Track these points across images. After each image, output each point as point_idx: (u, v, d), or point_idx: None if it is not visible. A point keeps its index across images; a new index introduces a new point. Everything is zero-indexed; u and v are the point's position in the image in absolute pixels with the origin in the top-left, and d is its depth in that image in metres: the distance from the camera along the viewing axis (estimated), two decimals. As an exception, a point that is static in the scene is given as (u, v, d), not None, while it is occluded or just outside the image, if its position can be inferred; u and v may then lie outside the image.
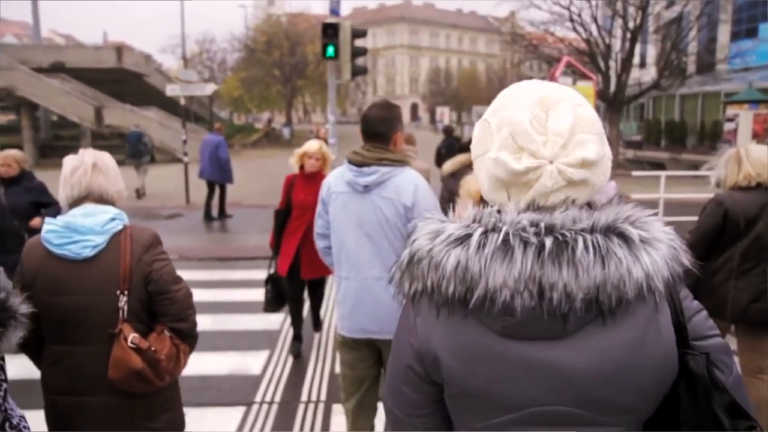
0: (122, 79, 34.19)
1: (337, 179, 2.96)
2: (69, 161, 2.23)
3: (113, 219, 2.15)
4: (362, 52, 9.41)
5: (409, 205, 2.77)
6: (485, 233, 1.01)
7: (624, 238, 0.99)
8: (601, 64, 22.68)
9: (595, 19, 23.22)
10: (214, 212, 12.36)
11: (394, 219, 2.79)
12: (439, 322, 1.07)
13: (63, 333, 2.12)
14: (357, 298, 2.90)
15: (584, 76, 12.97)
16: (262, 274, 5.51)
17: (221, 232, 11.43)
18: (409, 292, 1.09)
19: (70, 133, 35.14)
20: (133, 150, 15.34)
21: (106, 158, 2.28)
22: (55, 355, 2.15)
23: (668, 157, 23.24)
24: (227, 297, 7.07)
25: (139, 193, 15.02)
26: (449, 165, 3.97)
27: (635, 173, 9.60)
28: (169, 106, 36.76)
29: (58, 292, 2.09)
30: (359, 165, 2.83)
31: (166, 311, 2.19)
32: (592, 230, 0.99)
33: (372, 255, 2.83)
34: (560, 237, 0.98)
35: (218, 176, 11.95)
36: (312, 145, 4.95)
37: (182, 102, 14.08)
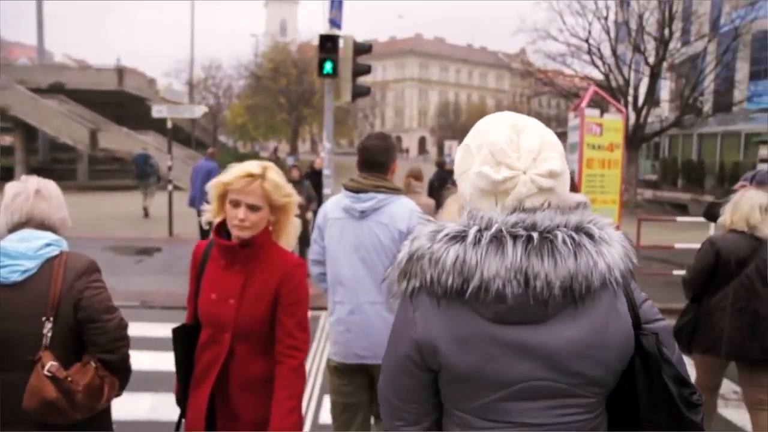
0: (123, 103, 33.38)
1: (333, 206, 3.03)
2: (11, 187, 2.21)
3: (48, 245, 2.12)
4: (365, 70, 8.14)
5: (404, 230, 2.80)
6: (480, 231, 1.19)
7: (590, 236, 1.21)
8: (621, 100, 21.55)
9: (614, 53, 22.17)
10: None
11: (389, 244, 2.82)
12: (437, 313, 1.24)
13: None
14: (351, 321, 2.94)
15: (612, 109, 11.87)
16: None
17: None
18: (407, 289, 1.26)
19: (68, 156, 34.32)
20: (140, 172, 15.58)
21: (50, 186, 2.25)
22: None
23: (690, 198, 21.93)
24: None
25: (147, 212, 15.47)
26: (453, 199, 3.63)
27: (680, 219, 8.28)
28: (173, 131, 35.99)
29: None
30: (356, 191, 2.92)
31: (95, 341, 2.12)
32: (566, 227, 1.19)
33: (367, 279, 2.87)
34: (543, 232, 1.18)
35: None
36: (245, 170, 2.21)
37: (169, 125, 12.88)
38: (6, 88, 27.85)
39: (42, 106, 27.69)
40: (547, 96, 60.07)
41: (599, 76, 23.64)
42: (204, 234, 11.10)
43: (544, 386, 1.23)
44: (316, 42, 8.23)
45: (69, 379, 2.03)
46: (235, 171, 2.21)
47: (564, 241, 1.17)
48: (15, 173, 24.44)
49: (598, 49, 22.06)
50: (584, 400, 1.25)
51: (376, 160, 2.95)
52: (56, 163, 36.52)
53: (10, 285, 2.05)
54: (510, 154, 1.24)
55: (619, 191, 11.54)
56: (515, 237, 1.17)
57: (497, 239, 1.17)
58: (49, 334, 2.06)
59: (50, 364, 2.02)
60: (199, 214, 9.12)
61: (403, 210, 2.90)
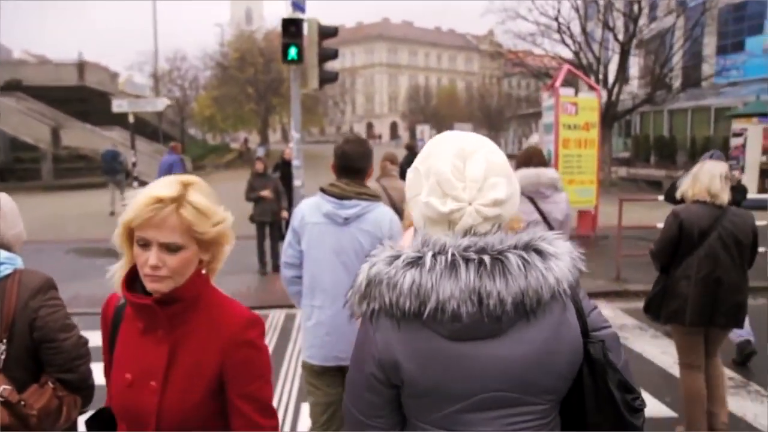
0: (86, 98, 32.31)
1: (311, 209, 3.00)
2: None
3: (1, 263, 2.04)
4: (332, 54, 7.70)
5: (386, 237, 2.81)
6: (434, 255, 1.24)
7: (539, 252, 1.27)
8: (592, 78, 21.43)
9: (584, 31, 22.01)
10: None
11: (370, 250, 2.40)
12: (397, 334, 1.29)
13: None
14: (332, 326, 2.96)
15: (586, 88, 11.65)
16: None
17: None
18: (367, 311, 1.31)
19: (31, 156, 33.16)
20: (108, 167, 15.29)
21: (1, 202, 2.13)
22: None
23: (664, 175, 21.98)
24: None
25: (113, 211, 14.88)
26: None
27: (661, 198, 8.08)
28: (137, 126, 35.07)
29: None
30: (339, 197, 2.94)
31: (52, 361, 2.04)
32: (515, 247, 1.26)
33: (348, 284, 2.42)
34: (495, 254, 1.24)
35: None
36: (152, 195, 1.52)
37: (130, 119, 12.35)
38: (-41, 87, 26.81)
39: (-2, 104, 26.66)
40: (518, 77, 60.16)
41: (569, 55, 23.50)
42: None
43: (500, 397, 1.29)
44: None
45: (22, 403, 1.95)
46: (138, 198, 1.53)
47: (516, 263, 1.24)
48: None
49: (568, 28, 21.86)
50: (538, 407, 1.32)
51: (355, 166, 2.99)
52: (18, 162, 35.34)
53: None
54: (456, 185, 1.29)
55: (596, 171, 11.36)
56: (467, 260, 1.23)
57: (451, 263, 1.23)
58: (2, 356, 1.99)
59: (2, 388, 1.93)
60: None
61: (384, 218, 2.98)
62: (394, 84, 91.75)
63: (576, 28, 22.55)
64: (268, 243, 8.76)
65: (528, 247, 1.27)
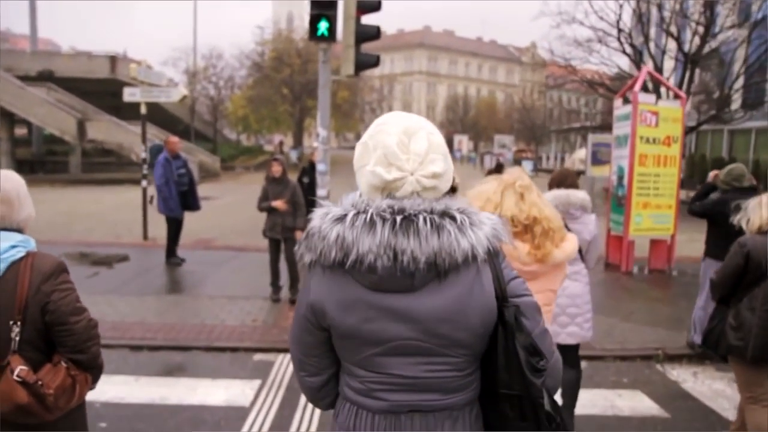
0: (117, 92, 31.40)
1: None
2: None
3: (14, 246, 2.08)
4: (373, 34, 6.12)
5: None
6: (357, 214, 1.41)
7: (453, 218, 1.41)
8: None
9: (646, 38, 20.11)
10: (181, 252, 9.36)
11: None
12: (325, 280, 1.47)
13: None
14: None
15: (671, 95, 9.92)
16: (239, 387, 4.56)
17: (171, 292, 8.04)
18: (307, 261, 1.48)
19: (63, 149, 32.59)
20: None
21: (10, 184, 2.15)
22: None
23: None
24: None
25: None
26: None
27: None
28: (169, 122, 34.19)
29: None
30: None
31: (64, 342, 2.11)
32: (430, 212, 1.41)
33: None
34: (408, 215, 1.39)
35: (161, 207, 8.96)
36: None
37: (143, 110, 11.02)
38: (-11, 75, 26.12)
39: (27, 94, 25.93)
40: (559, 91, 58.06)
41: (625, 65, 21.63)
42: (171, 241, 9.29)
43: (414, 345, 1.45)
44: None
45: (39, 382, 2.03)
46: None
47: (425, 222, 1.38)
48: (0, 165, 22.76)
49: (629, 35, 19.94)
50: (451, 359, 1.47)
51: None
52: (50, 155, 34.84)
53: None
54: (400, 156, 1.44)
55: (676, 194, 9.62)
56: (384, 219, 1.39)
57: (370, 221, 1.39)
58: (17, 338, 2.05)
59: (19, 369, 2.01)
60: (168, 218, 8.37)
61: None
62: (432, 93, 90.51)
63: (634, 36, 20.66)
64: (284, 263, 7.17)
65: (444, 213, 1.42)
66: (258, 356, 5.54)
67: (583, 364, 5.55)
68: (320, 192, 6.22)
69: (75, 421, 2.26)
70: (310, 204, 5.92)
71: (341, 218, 1.41)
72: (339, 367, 1.58)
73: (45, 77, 29.29)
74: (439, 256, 1.37)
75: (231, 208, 17.43)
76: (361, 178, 1.49)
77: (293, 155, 37.36)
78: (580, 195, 3.90)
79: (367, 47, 6.27)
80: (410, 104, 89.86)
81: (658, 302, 7.69)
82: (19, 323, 2.03)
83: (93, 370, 2.21)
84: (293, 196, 6.84)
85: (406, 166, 1.43)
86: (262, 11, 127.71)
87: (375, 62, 6.29)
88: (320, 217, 1.45)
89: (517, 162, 36.38)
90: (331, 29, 5.79)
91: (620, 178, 9.77)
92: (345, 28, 5.91)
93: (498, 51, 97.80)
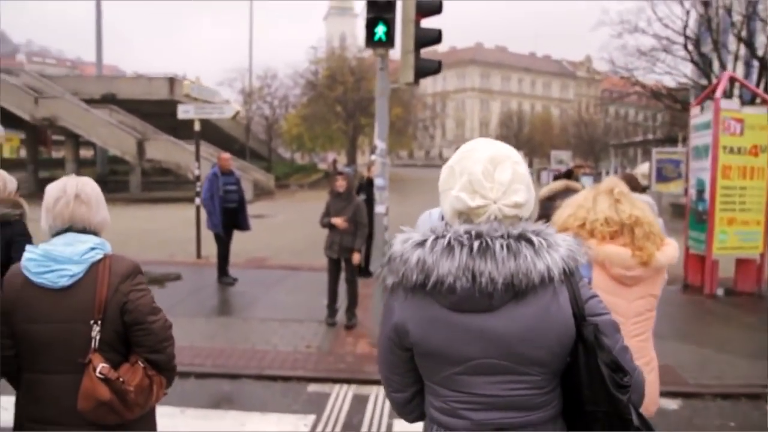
0: (175, 112, 32.08)
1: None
2: (51, 191, 2.20)
3: (93, 248, 2.14)
4: (434, 37, 5.59)
5: None
6: (436, 239, 1.47)
7: (529, 242, 1.45)
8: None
9: (716, 45, 19.05)
10: (233, 271, 9.09)
11: None
12: (407, 302, 1.52)
13: (37, 361, 2.13)
14: None
15: (753, 100, 9.10)
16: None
17: (221, 313, 7.74)
18: (389, 284, 1.54)
19: (124, 168, 33.49)
20: None
21: (88, 188, 2.22)
22: (29, 383, 2.16)
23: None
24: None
25: None
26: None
27: None
28: (225, 141, 34.68)
29: (34, 320, 2.10)
30: None
31: (141, 342, 2.16)
32: (506, 236, 1.45)
33: None
34: (485, 240, 1.44)
35: (207, 222, 8.82)
36: None
37: (196, 127, 10.91)
38: (55, 98, 27.07)
39: (90, 116, 26.73)
40: (616, 105, 56.39)
41: (681, 74, 20.55)
42: (221, 260, 9.04)
43: (494, 364, 1.48)
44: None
45: (121, 379, 2.07)
46: None
47: (501, 247, 1.43)
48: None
49: (696, 42, 18.93)
50: (530, 377, 1.49)
51: None
52: (113, 175, 35.89)
53: (58, 289, 2.08)
54: (485, 185, 1.49)
55: (765, 208, 8.76)
56: (462, 244, 1.44)
57: (449, 245, 1.45)
58: (98, 337, 2.09)
59: (101, 366, 2.06)
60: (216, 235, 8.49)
61: None
62: (485, 109, 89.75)
63: (702, 43, 19.61)
64: (343, 284, 6.73)
65: (520, 237, 1.46)
66: (312, 387, 5.10)
67: (678, 402, 4.91)
68: (379, 209, 5.74)
69: (148, 424, 2.31)
70: (371, 224, 5.38)
71: (421, 243, 1.48)
72: (423, 385, 1.63)
73: (108, 100, 30.18)
74: (516, 277, 1.41)
75: (285, 226, 17.25)
76: (444, 201, 1.56)
77: (347, 171, 37.28)
78: (644, 198, 3.75)
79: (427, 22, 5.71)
80: (463, 121, 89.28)
81: (754, 330, 6.85)
82: (99, 323, 2.09)
83: (168, 372, 2.26)
84: (355, 215, 6.36)
85: (490, 194, 1.48)
86: (315, 30, 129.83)
87: (437, 68, 5.83)
88: (401, 242, 1.52)
89: (575, 178, 35.14)
90: (389, 33, 5.36)
91: (700, 192, 8.98)
92: (404, 32, 5.48)
93: (552, 66, 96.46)
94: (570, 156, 46.55)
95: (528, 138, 67.64)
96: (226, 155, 9.04)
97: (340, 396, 4.93)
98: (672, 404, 4.80)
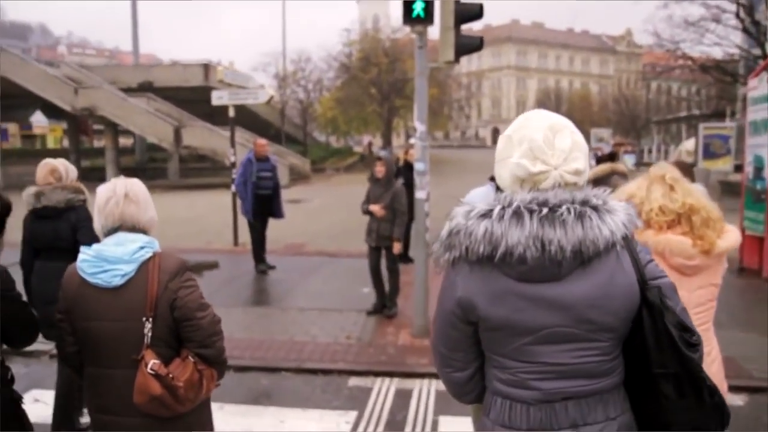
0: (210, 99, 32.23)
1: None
2: (102, 191, 2.28)
3: (142, 248, 2.21)
4: (476, 12, 5.25)
5: None
6: (503, 208, 1.47)
7: (594, 207, 1.47)
8: None
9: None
10: (270, 258, 9.01)
11: None
12: (473, 276, 1.52)
13: (97, 357, 2.23)
14: None
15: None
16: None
17: (259, 303, 7.62)
18: (449, 258, 1.53)
19: (163, 156, 33.93)
20: None
21: (136, 187, 2.31)
22: (91, 377, 2.27)
23: None
24: None
25: None
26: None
27: None
28: (261, 126, 34.75)
29: (92, 318, 2.19)
30: None
31: (191, 337, 2.22)
32: (572, 202, 1.46)
33: None
34: (552, 206, 1.45)
35: (242, 209, 8.80)
36: None
37: (231, 113, 10.79)
38: (94, 88, 27.42)
39: (128, 104, 27.01)
40: (658, 80, 54.39)
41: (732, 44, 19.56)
42: (257, 247, 8.91)
43: (563, 332, 1.48)
44: (409, 28, 5.60)
45: (170, 375, 2.14)
46: None
47: (568, 211, 1.43)
48: (106, 174, 23.78)
49: (750, 9, 17.96)
50: (599, 344, 1.50)
51: None
52: (152, 162, 36.40)
53: (112, 288, 2.17)
54: (546, 151, 1.50)
55: (830, 187, 8.20)
56: (531, 211, 1.44)
57: (517, 214, 1.45)
58: (150, 334, 2.16)
59: (152, 362, 2.13)
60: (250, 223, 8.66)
61: None
62: (522, 88, 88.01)
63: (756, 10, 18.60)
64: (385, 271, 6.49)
65: (584, 202, 1.47)
66: (353, 381, 4.92)
67: (744, 397, 4.58)
68: (419, 194, 5.47)
69: (202, 415, 2.37)
70: (411, 210, 5.12)
71: (487, 213, 1.48)
72: (483, 361, 1.63)
73: (145, 88, 30.45)
74: (584, 244, 1.42)
75: (322, 210, 17.12)
76: (503, 168, 1.56)
77: (383, 154, 36.98)
78: (696, 188, 3.58)
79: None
80: (500, 100, 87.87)
81: (821, 316, 6.41)
82: (150, 320, 2.16)
83: (218, 366, 2.31)
84: (393, 201, 6.10)
85: (551, 161, 1.49)
86: (348, 13, 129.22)
87: (479, 45, 5.50)
88: (463, 215, 1.51)
89: (615, 156, 34.04)
90: (428, 9, 5.05)
91: (758, 169, 8.45)
92: (443, 7, 5.15)
93: (590, 41, 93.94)
94: (610, 134, 45.27)
95: (566, 116, 64.65)
96: (262, 141, 8.89)
97: (383, 390, 4.74)
98: (737, 400, 4.46)
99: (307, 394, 4.73)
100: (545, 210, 1.43)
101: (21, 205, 3.29)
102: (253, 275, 8.64)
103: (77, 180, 3.84)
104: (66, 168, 3.80)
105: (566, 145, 1.50)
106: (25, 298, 2.50)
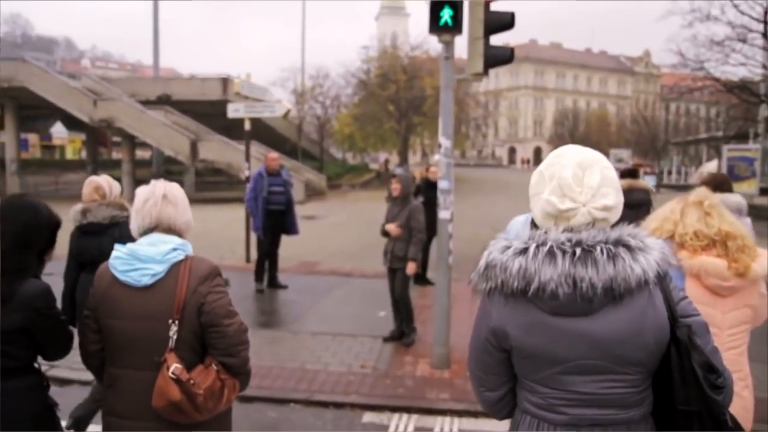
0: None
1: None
2: (141, 192, 2.29)
3: (175, 249, 2.19)
4: (507, 21, 4.88)
5: None
6: (537, 246, 1.52)
7: (627, 247, 1.51)
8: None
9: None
10: (282, 277, 8.73)
11: None
12: (507, 307, 1.58)
13: (119, 356, 2.21)
14: None
15: None
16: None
17: (269, 326, 7.23)
18: (485, 289, 1.60)
19: (179, 169, 33.89)
20: None
21: (175, 189, 2.32)
22: (111, 378, 2.24)
23: None
24: None
25: None
26: None
27: None
28: (277, 141, 34.66)
29: (117, 316, 2.18)
30: None
31: (216, 344, 2.19)
32: (606, 242, 1.50)
33: None
34: (585, 247, 1.50)
35: (253, 225, 8.51)
36: None
37: (246, 126, 10.56)
38: (112, 100, 27.47)
39: (145, 117, 27.01)
40: (677, 101, 53.78)
41: (759, 64, 19.09)
42: (260, 265, 8.52)
43: (593, 365, 1.53)
44: (427, 46, 5.30)
45: (191, 381, 2.09)
46: None
47: (602, 252, 1.48)
48: (122, 185, 23.63)
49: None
50: (627, 377, 1.53)
51: None
52: (168, 175, 36.42)
53: (141, 287, 2.15)
54: (575, 188, 1.54)
55: None
56: (564, 251, 1.50)
57: (550, 253, 1.50)
58: (175, 337, 2.13)
59: (174, 366, 2.09)
60: (259, 239, 8.34)
61: None
62: (539, 107, 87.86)
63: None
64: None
65: (618, 242, 1.51)
66: (368, 416, 4.54)
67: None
68: (443, 214, 5.09)
69: (222, 425, 2.31)
70: (431, 229, 4.76)
71: (523, 251, 1.53)
72: (515, 382, 1.69)
73: (163, 101, 30.48)
74: (615, 281, 1.47)
75: (337, 228, 16.79)
76: (535, 204, 1.62)
77: (399, 171, 36.69)
78: (734, 198, 3.86)
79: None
80: (517, 119, 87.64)
81: None
82: (177, 322, 2.12)
83: (242, 376, 2.27)
84: (409, 219, 5.77)
85: (579, 198, 1.54)
86: (367, 30, 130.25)
87: (509, 56, 5.16)
88: (500, 251, 1.58)
89: (636, 173, 33.38)
90: (456, 17, 4.72)
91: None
92: (472, 15, 4.83)
93: (608, 62, 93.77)
94: (630, 155, 44.74)
95: (584, 136, 65.61)
96: (274, 155, 8.60)
97: (400, 428, 4.36)
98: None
99: (318, 430, 4.35)
100: (579, 250, 1.49)
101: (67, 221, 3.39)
102: (264, 294, 8.30)
103: (120, 196, 3.97)
104: (110, 185, 3.92)
105: (595, 181, 1.54)
106: (61, 311, 2.52)
